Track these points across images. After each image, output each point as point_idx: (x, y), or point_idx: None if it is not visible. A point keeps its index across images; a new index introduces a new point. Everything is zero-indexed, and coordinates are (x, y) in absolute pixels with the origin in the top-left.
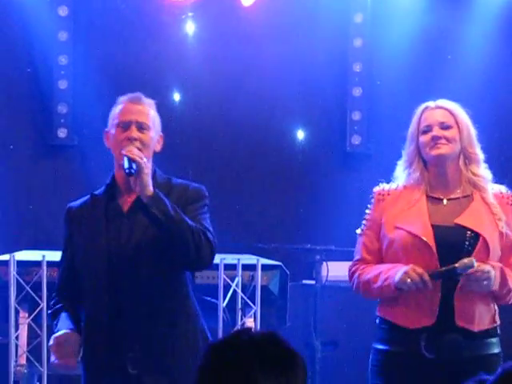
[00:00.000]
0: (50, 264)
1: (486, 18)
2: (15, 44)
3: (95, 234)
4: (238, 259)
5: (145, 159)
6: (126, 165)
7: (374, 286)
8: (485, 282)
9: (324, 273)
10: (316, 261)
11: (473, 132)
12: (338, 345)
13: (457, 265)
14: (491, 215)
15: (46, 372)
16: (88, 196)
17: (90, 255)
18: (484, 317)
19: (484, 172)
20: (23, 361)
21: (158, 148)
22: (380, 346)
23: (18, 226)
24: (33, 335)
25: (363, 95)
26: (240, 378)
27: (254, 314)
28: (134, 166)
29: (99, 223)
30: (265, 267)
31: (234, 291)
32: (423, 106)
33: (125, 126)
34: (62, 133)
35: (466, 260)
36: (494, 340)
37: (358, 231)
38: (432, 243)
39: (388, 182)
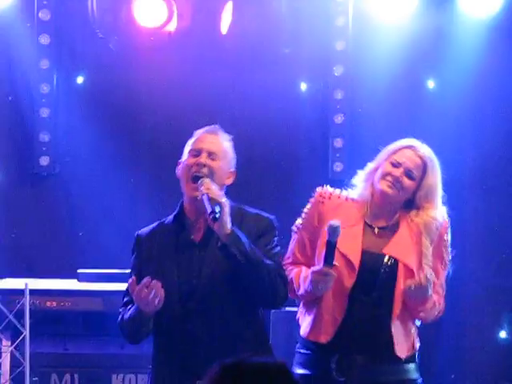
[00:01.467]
0: (33, 292)
1: (469, 39)
2: None
3: (166, 267)
4: None
5: (224, 199)
6: (209, 208)
7: (297, 288)
8: (427, 288)
9: None
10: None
11: (438, 192)
12: None
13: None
14: (417, 245)
15: None
16: (156, 223)
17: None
18: (409, 343)
19: (431, 214)
20: None
21: (228, 182)
22: (296, 371)
23: (0, 254)
24: (16, 363)
25: (345, 122)
26: None
27: None
28: (217, 209)
29: (170, 256)
30: None
31: None
32: (410, 143)
33: (196, 153)
34: (43, 161)
35: (331, 223)
36: (413, 366)
37: (294, 228)
38: (356, 266)
39: None
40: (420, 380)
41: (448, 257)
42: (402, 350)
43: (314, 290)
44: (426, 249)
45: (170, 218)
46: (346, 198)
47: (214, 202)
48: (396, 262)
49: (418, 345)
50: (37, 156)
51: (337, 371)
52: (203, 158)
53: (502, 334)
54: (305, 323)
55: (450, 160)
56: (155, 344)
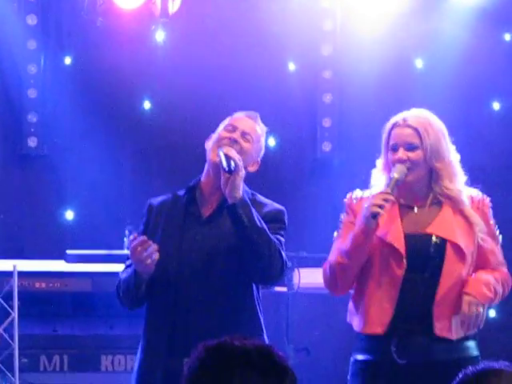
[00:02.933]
0: (22, 274)
1: (457, 17)
2: None
3: (169, 236)
4: None
5: (241, 162)
6: (225, 162)
7: (344, 251)
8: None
9: (296, 280)
10: (288, 267)
11: (444, 146)
12: (310, 352)
13: (396, 175)
14: (466, 224)
15: (18, 382)
16: (169, 194)
17: (160, 257)
18: (458, 322)
19: (457, 185)
20: None
21: (251, 169)
22: (356, 357)
23: None
24: (4, 345)
25: (333, 102)
26: (221, 381)
27: None
28: (233, 164)
29: (175, 226)
30: None
31: None
32: (392, 121)
33: (232, 128)
34: (31, 142)
35: (401, 168)
36: (471, 343)
37: (335, 234)
38: (403, 252)
39: (359, 188)
40: (479, 358)
41: (496, 230)
42: (453, 329)
43: (366, 221)
44: (472, 217)
45: (183, 190)
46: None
47: (231, 160)
48: (443, 241)
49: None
50: (25, 137)
51: (398, 354)
52: (236, 135)
53: (491, 314)
54: (356, 320)
55: None
56: (146, 319)
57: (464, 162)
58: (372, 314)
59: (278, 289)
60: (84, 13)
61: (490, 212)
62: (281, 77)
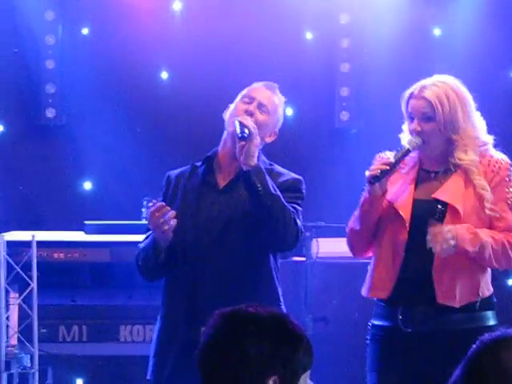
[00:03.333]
0: (40, 244)
1: None
2: (1, 24)
3: (186, 205)
4: None
5: (256, 130)
6: (239, 129)
7: (355, 216)
8: (448, 241)
9: (314, 249)
10: (306, 237)
11: (460, 117)
12: (328, 321)
13: (408, 146)
14: (474, 194)
15: (37, 352)
16: (188, 166)
17: (178, 226)
18: (466, 291)
19: (472, 155)
20: (14, 341)
21: (269, 140)
22: (373, 321)
23: (7, 207)
24: (23, 316)
25: (351, 71)
26: (234, 348)
27: None
28: (247, 131)
29: (192, 196)
30: None
31: None
32: (410, 90)
33: (249, 100)
34: (50, 113)
35: (414, 139)
36: (484, 313)
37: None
38: (406, 218)
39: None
40: (489, 327)
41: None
42: (464, 298)
43: (370, 188)
44: (482, 189)
45: (201, 161)
46: None
47: (245, 128)
48: (446, 205)
49: (487, 292)
50: (43, 108)
51: (403, 323)
52: (253, 107)
53: (510, 282)
54: (365, 284)
55: None
56: (164, 288)
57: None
58: (376, 279)
59: (296, 258)
60: None
61: (509, 176)
62: (298, 46)
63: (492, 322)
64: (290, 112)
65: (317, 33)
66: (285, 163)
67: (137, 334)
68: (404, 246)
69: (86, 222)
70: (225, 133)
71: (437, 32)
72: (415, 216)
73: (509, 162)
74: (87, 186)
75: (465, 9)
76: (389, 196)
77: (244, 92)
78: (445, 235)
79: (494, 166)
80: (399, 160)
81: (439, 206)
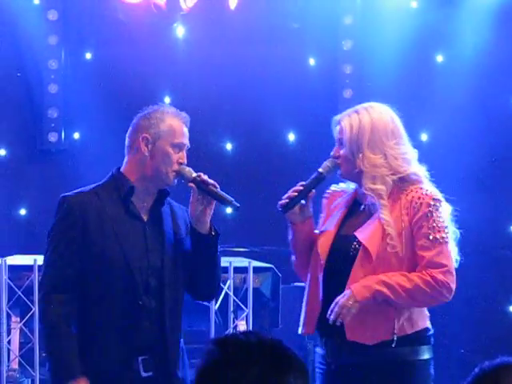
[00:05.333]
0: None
1: (477, 14)
2: (5, 49)
3: (118, 236)
4: (230, 262)
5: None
6: (229, 198)
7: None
8: (352, 309)
9: None
10: None
11: (367, 142)
12: None
13: (321, 170)
14: (381, 226)
15: (38, 376)
16: (88, 189)
17: (115, 257)
18: (378, 329)
19: (378, 185)
20: (15, 365)
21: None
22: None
23: (9, 231)
24: (25, 340)
25: (354, 96)
26: (225, 375)
27: (246, 316)
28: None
29: (121, 225)
30: (257, 270)
31: (226, 294)
32: (334, 120)
33: (181, 148)
34: (52, 137)
35: (327, 162)
36: (397, 350)
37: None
38: (324, 254)
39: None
40: (415, 360)
41: (436, 231)
42: (377, 335)
43: (287, 217)
44: (386, 225)
45: (106, 185)
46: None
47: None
48: (360, 243)
49: (409, 328)
50: (45, 132)
51: (326, 354)
52: (184, 157)
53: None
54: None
55: (459, 131)
56: (91, 317)
57: (481, 156)
58: (305, 314)
59: (297, 284)
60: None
61: (431, 211)
62: (301, 72)
63: (414, 357)
64: (292, 137)
65: (320, 59)
66: (287, 188)
67: None
68: (321, 281)
69: None
70: (147, 161)
71: (439, 58)
72: (332, 251)
73: (433, 196)
74: None
75: (466, 35)
76: (320, 228)
77: (173, 136)
78: (347, 306)
79: (416, 203)
80: (311, 186)
81: (355, 244)
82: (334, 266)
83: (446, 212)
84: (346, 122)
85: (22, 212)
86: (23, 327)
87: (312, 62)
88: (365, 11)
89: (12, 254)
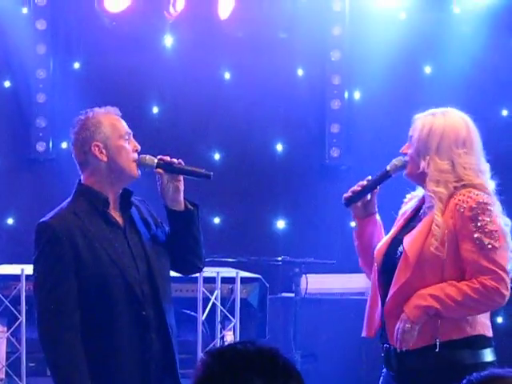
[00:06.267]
0: (30, 278)
1: (466, 25)
2: None
3: (107, 251)
4: (218, 272)
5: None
6: (200, 170)
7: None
8: (410, 333)
9: (303, 285)
10: (295, 273)
11: (434, 146)
12: (317, 357)
13: (388, 167)
14: (428, 227)
15: None
16: (64, 210)
17: (111, 271)
18: (421, 333)
19: (440, 189)
20: (2, 375)
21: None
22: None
23: None
24: (12, 349)
25: (342, 108)
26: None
27: (234, 326)
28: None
29: (106, 239)
30: (244, 280)
31: (213, 304)
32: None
33: (128, 137)
34: (40, 146)
35: (394, 161)
36: (440, 354)
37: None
38: (379, 257)
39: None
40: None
41: (483, 235)
42: (418, 341)
43: (351, 210)
44: (435, 225)
45: (79, 199)
46: None
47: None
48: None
49: (455, 334)
50: (33, 141)
51: (384, 361)
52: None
53: (499, 320)
54: None
55: None
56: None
57: None
58: (366, 318)
59: (285, 294)
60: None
61: (476, 214)
62: (289, 82)
63: (467, 362)
64: (280, 148)
65: (308, 69)
66: (275, 199)
67: None
68: (377, 286)
69: None
70: (108, 165)
71: (427, 69)
72: (386, 256)
73: (478, 199)
74: None
75: (455, 46)
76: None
77: (119, 131)
78: (406, 331)
79: (460, 206)
80: (375, 182)
81: (401, 247)
82: (386, 270)
83: (496, 217)
84: (420, 122)
85: (10, 221)
86: (10, 337)
87: (300, 72)
88: (353, 22)
89: None
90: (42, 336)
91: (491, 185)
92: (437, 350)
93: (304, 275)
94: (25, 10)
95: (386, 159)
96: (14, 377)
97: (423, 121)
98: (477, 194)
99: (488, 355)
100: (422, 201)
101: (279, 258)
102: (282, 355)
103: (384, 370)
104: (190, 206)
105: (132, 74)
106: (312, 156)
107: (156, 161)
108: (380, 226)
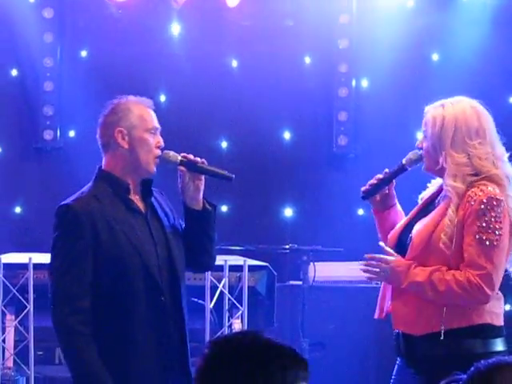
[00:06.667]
0: (37, 266)
1: (473, 13)
2: (0, 46)
3: (128, 236)
4: (225, 260)
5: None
6: (222, 171)
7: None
8: (380, 272)
9: (311, 273)
10: (303, 261)
11: (448, 140)
12: (325, 345)
13: (404, 161)
14: (438, 219)
15: (33, 374)
16: (85, 194)
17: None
18: (426, 319)
19: (457, 183)
20: (10, 363)
21: None
22: None
23: (4, 229)
24: (20, 338)
25: (349, 96)
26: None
27: (241, 315)
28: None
29: (127, 225)
30: (252, 268)
31: (221, 292)
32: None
33: (155, 132)
34: (47, 135)
35: (410, 155)
36: (445, 342)
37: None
38: (392, 241)
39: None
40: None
41: (485, 231)
42: (425, 326)
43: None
44: (448, 219)
45: (102, 184)
46: None
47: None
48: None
49: (464, 321)
50: (41, 130)
51: (394, 346)
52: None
53: (506, 307)
54: None
55: None
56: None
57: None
58: (379, 300)
59: (293, 282)
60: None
61: (484, 209)
62: (297, 70)
63: (475, 351)
64: (288, 136)
65: (315, 57)
66: (283, 187)
67: None
68: None
69: None
70: (128, 154)
71: (435, 57)
72: (399, 241)
73: (489, 194)
74: None
75: (462, 34)
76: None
77: (145, 122)
78: (380, 269)
79: (471, 198)
80: (392, 175)
81: (410, 235)
82: (399, 254)
83: (505, 216)
84: (430, 115)
85: (17, 210)
86: (18, 325)
87: (308, 60)
88: (361, 10)
89: (7, 252)
90: (53, 318)
91: (509, 169)
92: (441, 338)
93: (312, 263)
94: None
95: (394, 147)
96: (22, 365)
97: (434, 114)
98: (489, 189)
99: (498, 345)
100: (441, 188)
101: (287, 246)
102: (283, 345)
103: (398, 358)
104: (208, 206)
105: (139, 62)
106: (319, 144)
107: (180, 158)
108: (401, 215)
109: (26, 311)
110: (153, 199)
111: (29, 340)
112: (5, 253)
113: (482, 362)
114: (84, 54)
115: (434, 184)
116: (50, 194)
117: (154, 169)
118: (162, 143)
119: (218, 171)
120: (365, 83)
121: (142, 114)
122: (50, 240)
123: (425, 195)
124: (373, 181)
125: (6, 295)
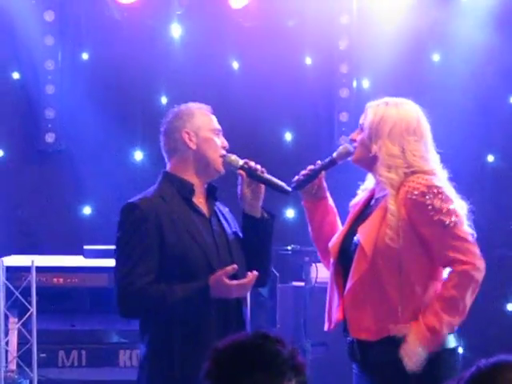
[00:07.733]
0: (40, 269)
1: (474, 12)
2: (1, 49)
3: (194, 236)
4: None
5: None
6: (281, 183)
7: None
8: (419, 355)
9: (313, 274)
10: (305, 262)
11: (386, 132)
12: (328, 346)
13: (334, 155)
14: (381, 216)
15: (36, 377)
16: (151, 194)
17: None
18: (382, 323)
19: (391, 175)
20: (13, 366)
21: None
22: None
23: (7, 231)
24: (23, 340)
25: (350, 96)
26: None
27: None
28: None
29: (192, 226)
30: None
31: None
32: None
33: (218, 133)
34: (49, 138)
35: (340, 149)
36: (396, 348)
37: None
38: (334, 250)
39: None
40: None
41: (443, 217)
42: (360, 330)
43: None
44: (390, 214)
45: (166, 185)
46: None
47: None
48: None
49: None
50: (42, 133)
51: (348, 353)
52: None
53: (509, 307)
54: None
55: (457, 130)
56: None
57: (480, 154)
58: (327, 311)
59: (295, 283)
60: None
61: (429, 201)
62: (298, 71)
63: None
64: (289, 137)
65: (316, 58)
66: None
67: (136, 359)
68: (333, 278)
69: (85, 247)
70: (196, 154)
71: (436, 57)
72: (342, 249)
73: (427, 183)
74: (86, 210)
75: (463, 35)
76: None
77: (210, 125)
78: (415, 352)
79: (411, 193)
80: (322, 167)
81: (355, 240)
82: (343, 262)
83: (448, 196)
84: (372, 110)
85: (19, 212)
86: (21, 328)
87: (308, 61)
88: (361, 10)
89: (9, 255)
90: (123, 311)
91: (444, 173)
92: (396, 341)
93: (314, 264)
94: (33, 1)
95: None
96: (25, 368)
97: (375, 110)
98: (426, 179)
99: (451, 342)
100: (373, 192)
101: (289, 247)
102: (280, 348)
103: (353, 365)
104: (266, 215)
105: (141, 64)
106: (321, 145)
107: (241, 162)
108: (334, 213)
109: (28, 314)
110: (217, 206)
111: (32, 343)
112: (7, 255)
113: (483, 361)
114: (85, 56)
115: (363, 190)
116: (52, 196)
117: (222, 168)
118: (226, 144)
119: (276, 182)
120: (366, 84)
121: (204, 116)
122: (52, 242)
123: (356, 202)
124: (303, 172)
125: (9, 298)
